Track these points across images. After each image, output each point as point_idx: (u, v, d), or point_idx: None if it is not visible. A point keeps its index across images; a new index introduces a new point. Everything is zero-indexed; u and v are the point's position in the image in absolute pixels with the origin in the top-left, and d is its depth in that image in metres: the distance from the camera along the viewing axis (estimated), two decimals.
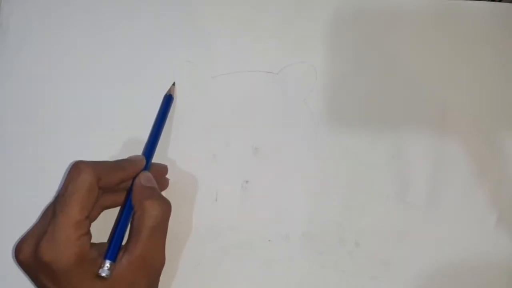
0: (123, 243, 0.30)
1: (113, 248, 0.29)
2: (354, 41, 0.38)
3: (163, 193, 0.33)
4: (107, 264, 0.28)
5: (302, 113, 0.37)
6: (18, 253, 0.29)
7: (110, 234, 0.33)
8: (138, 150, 0.35)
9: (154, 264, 0.30)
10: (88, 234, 0.29)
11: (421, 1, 0.39)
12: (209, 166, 0.36)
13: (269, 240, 0.35)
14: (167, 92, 0.36)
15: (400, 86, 0.37)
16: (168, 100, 0.35)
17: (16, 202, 0.35)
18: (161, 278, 0.31)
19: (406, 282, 0.35)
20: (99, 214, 0.32)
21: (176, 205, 0.35)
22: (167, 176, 0.35)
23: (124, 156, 0.35)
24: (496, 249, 0.35)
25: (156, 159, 0.34)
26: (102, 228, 0.33)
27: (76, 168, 0.29)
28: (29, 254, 0.28)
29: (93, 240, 0.29)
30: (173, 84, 0.36)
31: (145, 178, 0.31)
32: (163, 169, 0.34)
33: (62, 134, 0.36)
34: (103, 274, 0.28)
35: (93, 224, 0.30)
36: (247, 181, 0.36)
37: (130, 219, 0.31)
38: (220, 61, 0.37)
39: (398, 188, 0.36)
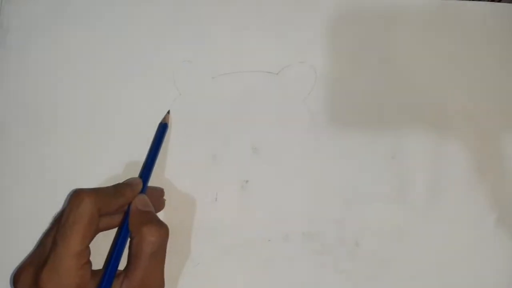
0: (120, 266, 0.30)
1: (109, 277, 0.29)
2: (354, 41, 0.38)
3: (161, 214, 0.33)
4: None
5: (302, 113, 0.37)
6: (17, 282, 0.29)
7: (106, 259, 0.33)
8: (137, 150, 0.35)
9: None
10: (89, 263, 0.29)
11: (421, 1, 0.39)
12: (209, 166, 0.36)
13: (269, 240, 0.35)
14: (162, 120, 0.36)
15: (400, 86, 0.38)
16: (163, 128, 0.35)
17: (16, 203, 0.35)
18: None
19: (406, 282, 0.35)
20: (94, 237, 0.32)
21: (176, 205, 0.35)
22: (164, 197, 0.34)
23: (124, 156, 0.35)
24: (496, 249, 0.36)
25: (152, 179, 0.34)
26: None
27: (78, 197, 0.28)
28: (29, 284, 0.28)
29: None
30: (168, 112, 0.36)
31: (141, 203, 0.31)
32: (159, 192, 0.34)
33: (62, 134, 0.36)
34: None
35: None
36: (247, 181, 0.36)
37: (126, 245, 0.30)
38: (220, 61, 0.37)
39: (398, 188, 0.36)
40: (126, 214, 0.31)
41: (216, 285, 0.34)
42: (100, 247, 0.33)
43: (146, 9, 0.38)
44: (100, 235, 0.31)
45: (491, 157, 0.37)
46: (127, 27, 0.37)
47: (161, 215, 0.34)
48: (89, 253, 0.29)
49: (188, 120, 0.36)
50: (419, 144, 0.37)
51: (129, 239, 0.30)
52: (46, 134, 0.36)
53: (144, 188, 0.32)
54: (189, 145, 0.36)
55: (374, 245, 0.35)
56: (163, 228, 0.30)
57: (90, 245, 0.29)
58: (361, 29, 0.38)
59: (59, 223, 0.28)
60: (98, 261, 0.32)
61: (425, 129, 0.37)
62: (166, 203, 0.34)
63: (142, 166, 0.34)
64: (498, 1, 0.39)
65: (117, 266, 0.30)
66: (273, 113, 0.37)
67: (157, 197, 0.34)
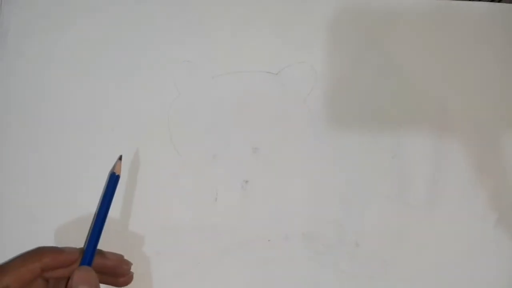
0: None
1: None
2: (354, 41, 0.38)
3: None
4: None
5: (302, 113, 0.37)
6: None
7: None
8: (137, 150, 0.35)
9: None
10: None
11: (421, 1, 0.39)
12: (209, 166, 0.36)
13: (269, 240, 0.35)
14: (112, 169, 0.33)
15: (400, 86, 0.38)
16: (115, 180, 0.32)
17: (16, 203, 0.35)
18: (160, 278, 0.31)
19: (406, 282, 0.35)
20: None
21: (176, 204, 0.35)
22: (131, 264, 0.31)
23: (125, 156, 0.35)
24: (496, 249, 0.36)
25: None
26: None
27: None
28: None
29: None
30: (119, 158, 0.34)
31: (78, 278, 0.27)
32: (116, 261, 0.30)
33: (62, 134, 0.36)
34: None
35: None
36: (246, 181, 0.36)
37: None
38: (220, 61, 0.37)
39: (398, 188, 0.36)
40: None
41: (216, 285, 0.34)
42: None
43: (145, 9, 0.38)
44: None
45: (491, 157, 0.37)
46: (126, 27, 0.37)
47: (159, 215, 0.34)
48: None
49: (188, 120, 0.36)
50: (419, 144, 0.37)
51: None
52: (46, 134, 0.36)
53: (87, 256, 0.28)
54: (189, 145, 0.36)
55: (374, 245, 0.35)
56: None
57: None
58: (361, 29, 0.38)
59: None
60: None
61: (425, 129, 0.37)
62: (166, 203, 0.34)
63: (89, 233, 0.30)
64: (498, 1, 0.39)
65: None
66: (273, 113, 0.37)
67: (113, 268, 0.30)
